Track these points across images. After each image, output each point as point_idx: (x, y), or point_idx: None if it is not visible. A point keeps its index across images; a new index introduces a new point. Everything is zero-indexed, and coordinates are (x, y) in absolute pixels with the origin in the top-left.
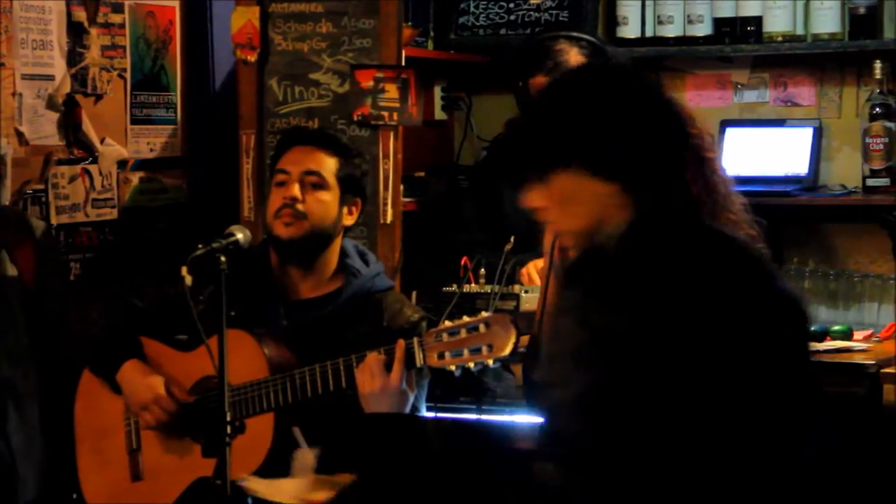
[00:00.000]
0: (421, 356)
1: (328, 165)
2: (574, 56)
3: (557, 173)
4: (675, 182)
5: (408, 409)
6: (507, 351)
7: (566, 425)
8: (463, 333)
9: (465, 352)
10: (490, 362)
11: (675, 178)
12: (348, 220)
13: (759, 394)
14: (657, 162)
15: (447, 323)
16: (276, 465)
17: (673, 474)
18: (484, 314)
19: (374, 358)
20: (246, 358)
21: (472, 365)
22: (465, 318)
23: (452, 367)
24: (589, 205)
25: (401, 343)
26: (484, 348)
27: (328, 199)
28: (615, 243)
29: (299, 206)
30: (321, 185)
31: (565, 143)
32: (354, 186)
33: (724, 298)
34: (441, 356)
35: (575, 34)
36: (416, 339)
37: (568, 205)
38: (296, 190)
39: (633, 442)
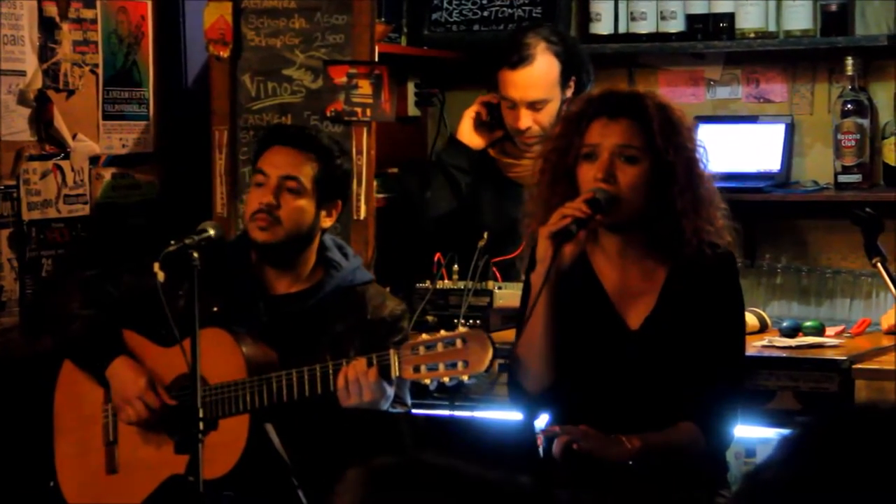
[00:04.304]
0: (397, 368)
1: (306, 170)
2: (541, 51)
3: None
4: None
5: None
6: (483, 368)
7: None
8: (439, 348)
9: (441, 366)
10: (465, 378)
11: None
12: (327, 222)
13: None
14: None
15: (424, 336)
16: (251, 465)
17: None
18: (461, 329)
19: (358, 370)
20: (224, 357)
21: (446, 380)
22: (443, 333)
23: (427, 381)
24: None
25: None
26: (460, 364)
27: (305, 205)
28: None
29: (275, 213)
30: (298, 190)
31: None
32: (334, 189)
33: None
34: (416, 369)
35: (545, 29)
36: (392, 351)
37: None
38: (272, 196)
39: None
